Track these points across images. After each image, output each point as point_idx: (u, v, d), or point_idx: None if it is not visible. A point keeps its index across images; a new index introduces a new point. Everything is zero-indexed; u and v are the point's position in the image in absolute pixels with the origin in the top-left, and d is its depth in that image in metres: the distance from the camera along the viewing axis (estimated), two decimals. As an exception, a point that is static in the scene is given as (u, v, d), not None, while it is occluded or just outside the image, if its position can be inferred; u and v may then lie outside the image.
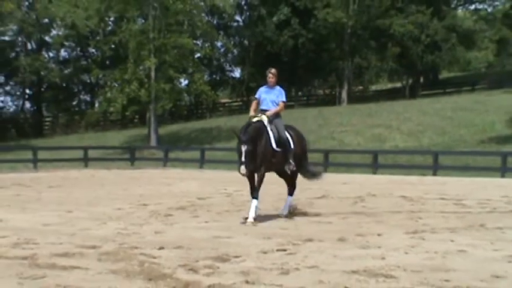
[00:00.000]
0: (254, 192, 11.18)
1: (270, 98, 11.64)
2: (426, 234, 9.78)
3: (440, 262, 7.62)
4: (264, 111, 11.60)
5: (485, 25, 52.34)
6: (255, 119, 11.34)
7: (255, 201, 11.10)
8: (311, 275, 6.89)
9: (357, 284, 6.46)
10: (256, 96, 11.95)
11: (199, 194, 16.48)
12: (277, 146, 11.32)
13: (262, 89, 11.88)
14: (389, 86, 66.08)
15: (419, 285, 6.43)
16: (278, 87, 11.74)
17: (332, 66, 55.74)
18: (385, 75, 61.60)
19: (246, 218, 11.00)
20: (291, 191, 12.23)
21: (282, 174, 12.21)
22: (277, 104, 11.63)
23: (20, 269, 7.16)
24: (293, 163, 11.65)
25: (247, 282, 6.53)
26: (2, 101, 58.56)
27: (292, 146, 11.71)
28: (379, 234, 9.71)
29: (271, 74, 11.67)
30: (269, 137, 11.23)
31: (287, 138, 11.65)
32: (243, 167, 10.61)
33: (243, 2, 56.99)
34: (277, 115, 11.65)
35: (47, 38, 56.65)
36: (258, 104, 11.82)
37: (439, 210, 13.02)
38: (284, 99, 11.77)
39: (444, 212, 12.83)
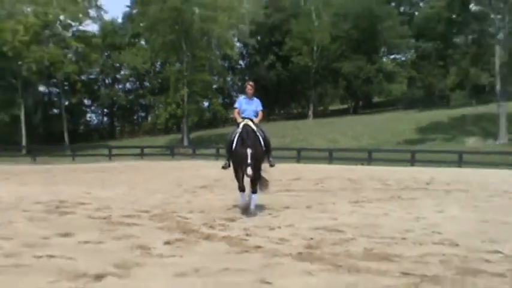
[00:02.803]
0: (254, 187, 8.46)
1: (252, 108, 8.71)
2: (364, 203, 9.77)
3: (373, 221, 7.62)
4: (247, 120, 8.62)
5: (400, 68, 52.34)
6: (242, 123, 8.47)
7: (255, 196, 8.47)
8: (288, 230, 6.89)
9: (318, 236, 6.45)
10: (237, 106, 8.81)
11: (216, 177, 16.44)
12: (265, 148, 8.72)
13: (242, 100, 8.86)
14: (341, 107, 65.79)
15: (359, 236, 6.44)
16: (255, 98, 8.82)
17: (303, 93, 55.62)
18: (338, 100, 61.48)
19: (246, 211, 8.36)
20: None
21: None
22: (257, 113, 8.80)
23: (100, 225, 7.17)
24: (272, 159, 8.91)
25: (247, 235, 6.53)
26: (90, 117, 59.01)
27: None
28: (333, 203, 9.68)
29: (250, 86, 8.82)
30: (260, 140, 8.59)
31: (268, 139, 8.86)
32: (249, 169, 7.87)
33: (244, 52, 56.93)
34: None
35: (117, 76, 56.72)
36: (238, 113, 8.78)
37: (372, 187, 13.03)
38: (262, 108, 8.88)
39: (375, 188, 12.84)
